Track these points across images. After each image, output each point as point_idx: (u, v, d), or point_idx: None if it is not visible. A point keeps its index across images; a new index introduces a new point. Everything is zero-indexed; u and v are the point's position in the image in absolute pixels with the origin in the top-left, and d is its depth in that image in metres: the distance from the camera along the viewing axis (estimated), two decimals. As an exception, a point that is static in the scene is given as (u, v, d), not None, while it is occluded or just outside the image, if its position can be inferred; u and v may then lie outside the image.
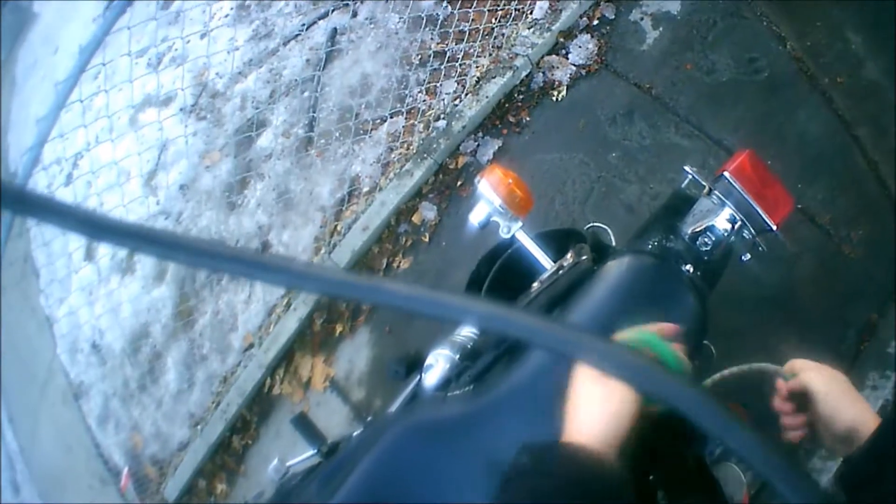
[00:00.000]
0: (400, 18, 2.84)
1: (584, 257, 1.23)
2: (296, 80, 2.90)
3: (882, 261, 2.31)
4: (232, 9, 3.46)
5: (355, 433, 1.39)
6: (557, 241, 1.38)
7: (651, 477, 1.00)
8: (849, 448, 0.84)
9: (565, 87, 2.64)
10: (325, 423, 2.40)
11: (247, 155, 2.92)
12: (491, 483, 0.75)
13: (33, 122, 4.48)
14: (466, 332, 1.33)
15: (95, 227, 0.37)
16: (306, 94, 2.84)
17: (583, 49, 2.67)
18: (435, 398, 1.16)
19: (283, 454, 1.58)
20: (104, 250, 3.62)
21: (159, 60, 3.47)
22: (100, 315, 3.54)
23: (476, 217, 1.31)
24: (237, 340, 3.04)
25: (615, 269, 1.13)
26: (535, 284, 1.27)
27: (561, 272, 1.22)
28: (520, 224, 1.31)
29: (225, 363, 3.09)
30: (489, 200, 1.29)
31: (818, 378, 0.89)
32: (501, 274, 1.46)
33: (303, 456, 1.53)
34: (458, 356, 1.20)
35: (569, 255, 1.27)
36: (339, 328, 2.69)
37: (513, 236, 1.32)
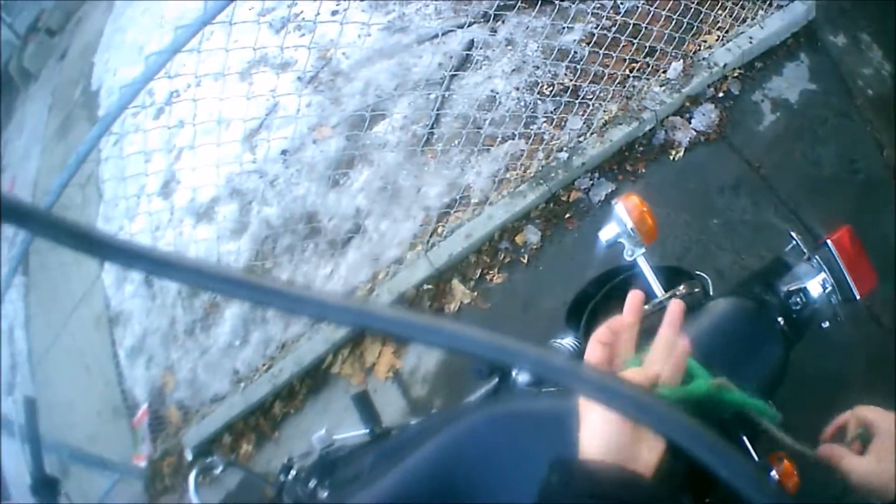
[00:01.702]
0: (538, 47, 2.95)
1: (696, 290, 1.35)
2: (425, 79, 3.00)
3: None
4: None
5: (412, 422, 1.45)
6: (668, 277, 1.47)
7: (707, 501, 1.07)
8: (887, 497, 0.84)
9: (683, 149, 2.77)
10: (379, 412, 2.47)
11: (359, 138, 3.00)
12: None
13: (129, 48, 4.52)
14: (567, 341, 1.44)
15: (94, 244, 0.36)
16: (432, 95, 2.94)
17: (705, 117, 2.80)
18: (528, 392, 1.23)
19: (328, 429, 1.59)
20: (182, 193, 3.67)
21: (283, 25, 3.55)
22: (163, 252, 3.56)
23: (605, 235, 1.41)
24: (306, 312, 3.09)
25: (723, 306, 1.25)
26: (646, 307, 1.37)
27: (673, 300, 1.34)
28: (643, 250, 1.40)
29: (287, 331, 3.13)
30: (622, 222, 1.38)
31: (882, 418, 0.92)
32: (610, 295, 1.55)
33: (352, 433, 1.58)
34: None
35: (682, 287, 1.38)
36: (418, 324, 2.76)
37: (634, 261, 1.41)
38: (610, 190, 2.72)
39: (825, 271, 1.30)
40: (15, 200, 0.33)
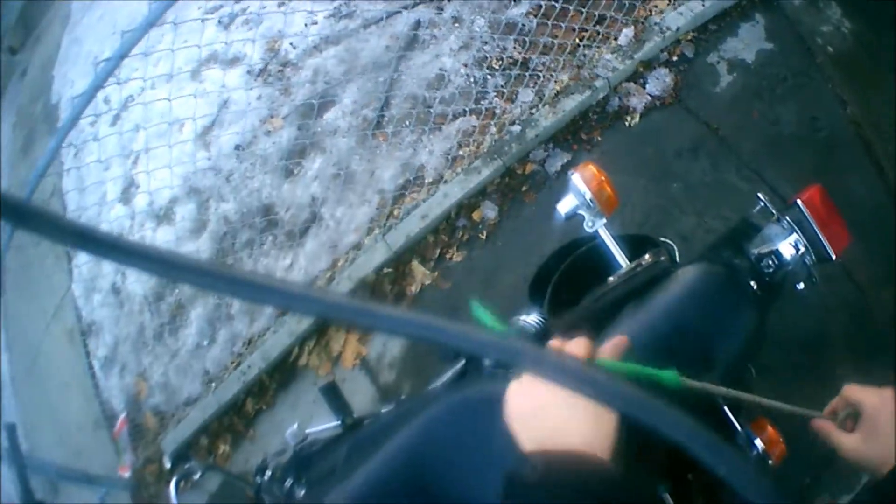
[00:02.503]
0: (486, 22, 2.91)
1: (662, 258, 1.31)
2: (373, 63, 2.95)
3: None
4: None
5: (384, 410, 1.41)
6: (632, 246, 1.43)
7: (689, 476, 1.05)
8: (879, 471, 0.85)
9: (639, 115, 2.73)
10: (348, 400, 2.43)
11: (311, 127, 2.95)
12: None
13: (85, 58, 4.47)
14: (533, 318, 1.39)
15: (93, 242, 0.36)
16: (381, 78, 2.89)
17: (660, 81, 2.76)
18: (495, 374, 1.17)
19: (300, 424, 1.56)
20: (141, 197, 3.62)
21: (231, 20, 3.50)
22: (127, 259, 3.52)
23: (564, 207, 1.36)
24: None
25: (692, 273, 1.20)
26: (611, 278, 1.33)
27: (639, 269, 1.29)
28: (604, 221, 1.37)
29: (252, 326, 3.10)
30: (580, 193, 1.34)
31: (869, 396, 0.91)
32: (572, 268, 1.52)
33: (324, 426, 1.53)
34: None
35: (647, 256, 1.34)
36: (379, 310, 2.71)
37: (595, 232, 1.37)
38: (566, 160, 2.67)
39: (797, 232, 1.25)
40: (14, 198, 0.34)
